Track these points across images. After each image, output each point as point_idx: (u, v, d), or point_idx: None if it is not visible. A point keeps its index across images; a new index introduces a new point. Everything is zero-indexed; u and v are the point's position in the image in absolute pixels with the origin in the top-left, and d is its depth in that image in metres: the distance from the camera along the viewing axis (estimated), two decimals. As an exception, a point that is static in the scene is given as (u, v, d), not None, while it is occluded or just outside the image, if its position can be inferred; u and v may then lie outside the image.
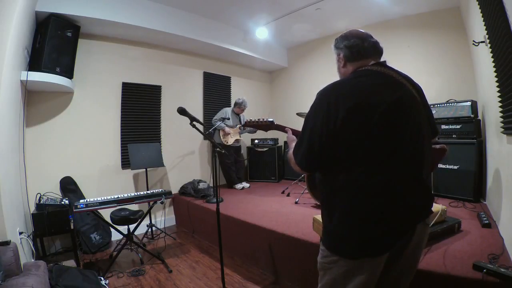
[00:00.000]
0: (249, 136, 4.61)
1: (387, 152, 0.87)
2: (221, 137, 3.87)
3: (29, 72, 2.29)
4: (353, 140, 0.86)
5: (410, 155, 0.91)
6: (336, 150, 0.88)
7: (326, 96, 0.92)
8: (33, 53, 2.46)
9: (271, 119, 1.43)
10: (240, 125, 4.05)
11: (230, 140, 3.91)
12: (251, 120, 1.45)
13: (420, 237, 0.97)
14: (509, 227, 1.64)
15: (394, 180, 0.88)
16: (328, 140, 0.88)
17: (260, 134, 4.37)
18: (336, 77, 1.06)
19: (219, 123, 3.80)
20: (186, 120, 1.97)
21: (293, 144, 1.10)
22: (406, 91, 0.95)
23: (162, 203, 2.52)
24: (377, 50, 1.02)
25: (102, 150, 3.24)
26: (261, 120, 1.43)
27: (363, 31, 1.05)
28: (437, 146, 1.12)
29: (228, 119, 3.87)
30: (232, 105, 4.09)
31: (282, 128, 1.38)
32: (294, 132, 1.28)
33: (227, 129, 3.84)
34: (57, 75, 2.55)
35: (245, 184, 4.11)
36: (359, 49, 1.00)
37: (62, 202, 2.47)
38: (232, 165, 4.06)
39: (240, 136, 4.05)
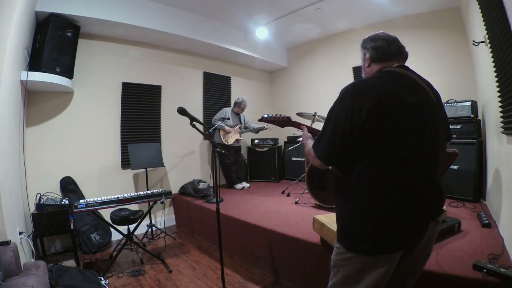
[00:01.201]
0: (249, 136, 4.60)
1: (405, 152, 0.89)
2: (221, 137, 3.87)
3: (29, 72, 2.29)
4: (374, 138, 0.88)
5: (427, 156, 0.93)
6: (356, 146, 0.90)
7: (350, 92, 0.94)
8: (33, 53, 2.46)
9: (288, 116, 1.43)
10: (241, 124, 4.05)
11: (231, 140, 3.91)
12: (268, 115, 1.45)
13: (431, 234, 0.99)
14: (509, 227, 1.64)
15: (411, 179, 0.90)
16: (350, 135, 0.90)
17: (260, 134, 4.36)
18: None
19: (219, 123, 3.80)
20: (186, 120, 1.97)
21: (309, 141, 1.13)
22: (426, 95, 0.97)
23: (162, 203, 2.52)
24: (402, 54, 1.05)
25: (102, 150, 3.24)
26: (278, 116, 1.44)
27: (391, 34, 1.07)
28: (449, 150, 1.16)
29: (228, 119, 3.87)
30: (232, 105, 4.09)
31: (298, 125, 1.39)
32: (310, 130, 1.29)
33: (227, 128, 3.84)
34: (57, 75, 2.55)
35: (245, 184, 4.11)
36: (384, 50, 1.03)
37: (62, 202, 2.47)
38: (232, 165, 4.06)
39: (240, 136, 4.05)
